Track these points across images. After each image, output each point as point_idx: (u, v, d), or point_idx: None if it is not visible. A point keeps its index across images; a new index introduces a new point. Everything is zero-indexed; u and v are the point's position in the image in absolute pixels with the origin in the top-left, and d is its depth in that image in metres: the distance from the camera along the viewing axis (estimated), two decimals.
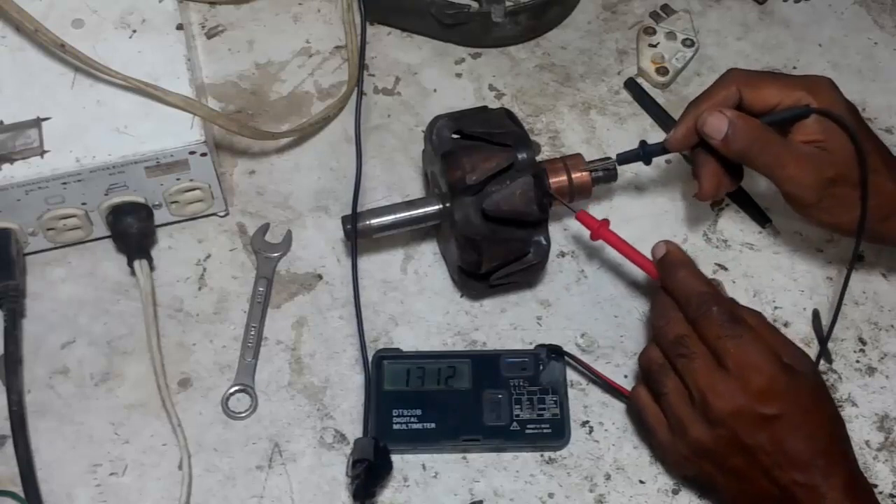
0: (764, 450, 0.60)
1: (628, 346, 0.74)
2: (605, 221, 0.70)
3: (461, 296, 0.76)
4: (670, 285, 0.65)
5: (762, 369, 0.60)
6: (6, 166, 0.68)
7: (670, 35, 0.88)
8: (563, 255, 0.78)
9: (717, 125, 0.66)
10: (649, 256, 0.68)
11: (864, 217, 0.67)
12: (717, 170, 0.70)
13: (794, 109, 0.67)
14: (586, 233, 0.78)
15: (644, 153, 0.72)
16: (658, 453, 0.69)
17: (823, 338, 0.73)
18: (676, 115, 0.83)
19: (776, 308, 0.76)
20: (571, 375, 0.73)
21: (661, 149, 0.71)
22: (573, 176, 0.72)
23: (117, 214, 0.72)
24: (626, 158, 0.72)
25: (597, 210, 0.79)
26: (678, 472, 0.69)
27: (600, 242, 0.78)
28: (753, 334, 0.61)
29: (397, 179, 0.81)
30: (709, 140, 0.67)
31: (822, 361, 0.74)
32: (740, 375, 0.60)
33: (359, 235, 0.72)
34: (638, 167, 0.78)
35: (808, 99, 0.67)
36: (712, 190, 0.70)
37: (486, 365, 0.71)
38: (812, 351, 0.74)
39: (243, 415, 0.71)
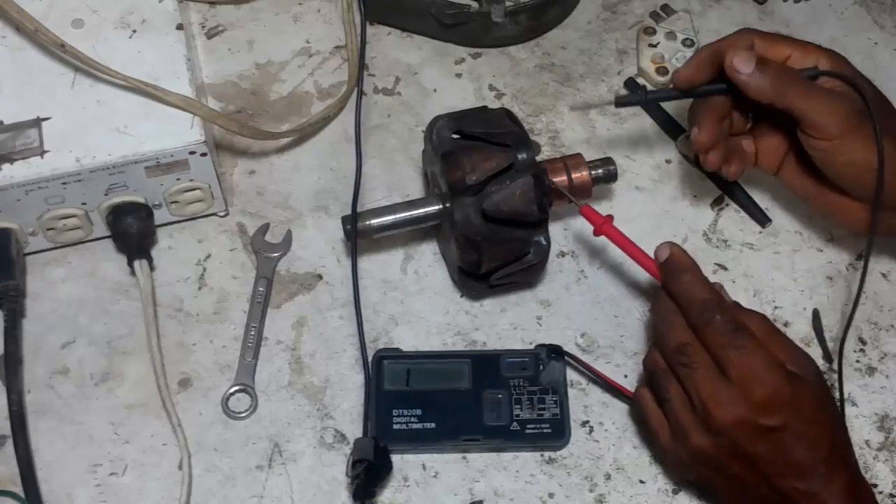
0: (765, 459, 0.60)
1: (628, 346, 0.74)
2: (610, 217, 0.69)
3: (461, 296, 0.76)
4: (673, 289, 0.64)
5: (765, 380, 0.59)
6: (6, 166, 0.68)
7: (670, 35, 0.88)
8: (563, 255, 0.78)
9: (746, 60, 0.65)
10: (652, 255, 0.67)
11: (880, 188, 0.66)
12: (719, 125, 0.69)
13: (803, 70, 0.67)
14: (587, 232, 0.79)
15: (646, 98, 0.70)
16: (659, 456, 0.69)
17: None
18: (676, 116, 0.83)
19: (776, 308, 0.76)
20: (571, 375, 0.73)
21: (667, 92, 0.69)
22: (573, 176, 0.72)
23: (117, 214, 0.72)
24: (625, 102, 0.71)
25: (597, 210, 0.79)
26: (678, 476, 0.69)
27: (601, 241, 0.78)
28: (756, 343, 0.60)
29: (397, 179, 0.81)
30: (736, 75, 0.66)
31: (824, 362, 0.74)
32: (743, 386, 0.59)
33: (359, 235, 0.72)
34: (640, 169, 0.78)
35: (819, 55, 0.67)
36: (709, 140, 0.68)
37: (486, 365, 0.71)
38: (812, 351, 0.74)
39: (243, 415, 0.71)
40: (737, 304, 0.65)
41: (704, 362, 0.61)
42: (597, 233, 0.69)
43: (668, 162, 0.83)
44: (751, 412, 0.59)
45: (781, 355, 0.61)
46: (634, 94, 0.70)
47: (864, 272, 0.69)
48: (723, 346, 0.60)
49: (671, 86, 0.70)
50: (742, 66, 0.66)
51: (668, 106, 0.84)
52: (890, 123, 0.66)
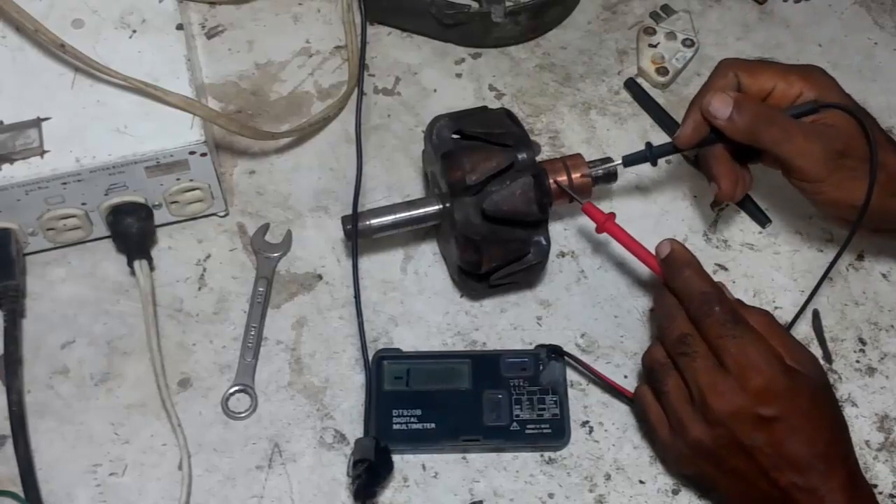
0: (762, 451, 0.60)
1: (628, 346, 0.74)
2: (612, 215, 0.69)
3: (461, 296, 0.76)
4: (674, 284, 0.65)
5: (762, 370, 0.60)
6: (6, 166, 0.68)
7: (670, 35, 0.88)
8: (563, 255, 0.78)
9: (722, 104, 0.66)
10: (653, 252, 0.67)
11: (872, 183, 0.66)
12: (733, 166, 0.69)
13: (801, 106, 0.67)
14: (587, 232, 0.79)
15: (651, 154, 0.71)
16: (659, 452, 0.70)
17: (823, 338, 0.73)
18: (676, 115, 0.83)
19: (776, 308, 0.76)
20: (571, 375, 0.73)
21: (670, 148, 0.70)
22: (573, 176, 0.72)
23: (117, 214, 0.72)
24: (632, 160, 0.71)
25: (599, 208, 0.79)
26: (678, 471, 0.69)
27: (601, 242, 0.78)
28: (755, 335, 0.61)
29: (397, 179, 0.81)
30: (714, 122, 0.66)
31: (824, 362, 0.74)
32: (740, 375, 0.60)
33: (359, 235, 0.72)
34: (639, 167, 0.78)
35: (804, 84, 0.67)
36: (731, 188, 0.69)
37: (486, 365, 0.71)
38: (812, 351, 0.74)
39: (243, 415, 0.71)
40: (739, 301, 0.65)
41: (703, 352, 0.61)
42: (599, 230, 0.69)
43: (668, 162, 0.83)
44: (747, 402, 0.59)
45: (781, 349, 0.62)
46: (639, 152, 0.71)
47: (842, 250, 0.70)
48: (721, 337, 0.61)
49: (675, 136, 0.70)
50: (719, 111, 0.66)
51: (667, 106, 0.85)
52: (880, 138, 0.67)
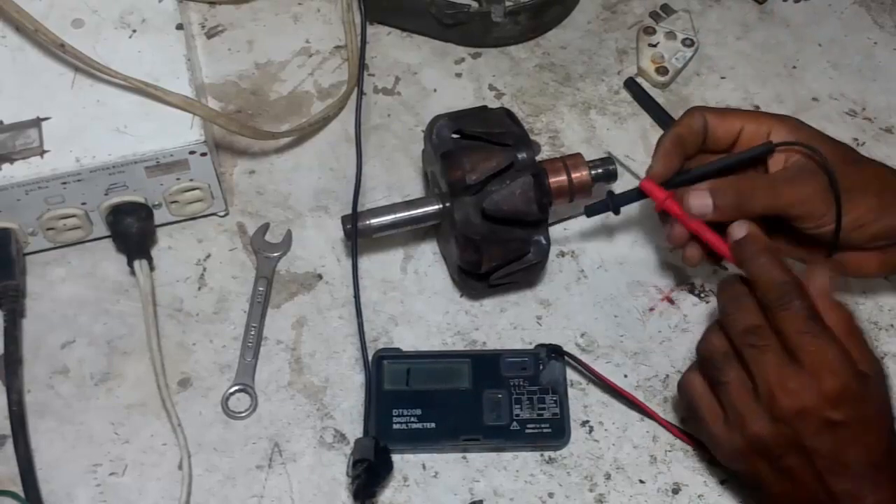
0: (821, 454, 0.58)
1: (628, 345, 0.74)
2: (671, 193, 0.66)
3: (461, 296, 0.76)
4: (749, 270, 0.62)
5: (837, 372, 0.57)
6: (6, 166, 0.68)
7: (670, 35, 0.88)
8: (563, 255, 0.78)
9: (700, 199, 0.65)
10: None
11: (838, 220, 0.65)
12: (680, 156, 0.67)
13: (756, 148, 0.66)
14: (587, 232, 0.79)
15: (614, 204, 0.69)
16: (708, 443, 0.66)
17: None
18: (676, 115, 0.83)
19: None
20: (571, 375, 0.73)
21: (635, 194, 0.68)
22: (573, 176, 0.72)
23: (117, 214, 0.72)
24: (594, 210, 0.70)
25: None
26: (727, 465, 0.65)
27: (601, 241, 0.78)
28: (832, 335, 0.59)
29: (397, 179, 0.81)
30: (703, 219, 0.65)
31: None
32: (814, 375, 0.57)
33: (359, 235, 0.72)
34: (640, 169, 0.78)
35: (773, 122, 0.66)
36: (698, 256, 0.68)
37: (486, 365, 0.71)
38: None
39: (243, 415, 0.71)
40: (825, 294, 0.62)
41: (775, 346, 0.59)
42: (658, 209, 0.67)
43: None
44: (817, 403, 0.57)
45: (855, 352, 0.59)
46: (601, 202, 0.69)
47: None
48: (799, 332, 0.58)
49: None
50: (701, 208, 0.65)
51: (667, 105, 0.85)
52: (861, 171, 0.66)
